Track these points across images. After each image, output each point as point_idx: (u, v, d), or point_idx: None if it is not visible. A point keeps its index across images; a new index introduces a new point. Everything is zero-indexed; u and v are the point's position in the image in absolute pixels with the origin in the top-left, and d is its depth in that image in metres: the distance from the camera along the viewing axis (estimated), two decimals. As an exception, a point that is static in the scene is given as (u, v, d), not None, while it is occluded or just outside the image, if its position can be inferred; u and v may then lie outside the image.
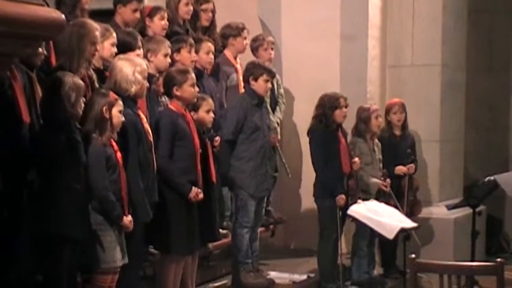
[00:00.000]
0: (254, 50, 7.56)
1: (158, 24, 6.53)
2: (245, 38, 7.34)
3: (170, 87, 5.78)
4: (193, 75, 5.85)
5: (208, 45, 6.80)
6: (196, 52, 6.64)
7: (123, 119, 5.01)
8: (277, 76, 7.75)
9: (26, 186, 4.50)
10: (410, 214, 7.16)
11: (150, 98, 5.80)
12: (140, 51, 5.79)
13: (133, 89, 5.23)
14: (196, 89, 5.89)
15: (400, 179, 7.50)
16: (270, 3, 8.47)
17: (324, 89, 7.22)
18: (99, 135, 4.85)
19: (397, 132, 7.68)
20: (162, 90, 5.92)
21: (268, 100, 7.12)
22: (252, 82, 6.64)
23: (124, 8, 6.34)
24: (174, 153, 5.67)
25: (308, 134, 7.02)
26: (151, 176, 5.38)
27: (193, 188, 5.67)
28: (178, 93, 5.76)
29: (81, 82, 4.72)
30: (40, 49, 4.62)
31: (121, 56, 5.42)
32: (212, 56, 6.86)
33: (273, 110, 7.48)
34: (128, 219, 4.97)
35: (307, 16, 8.20)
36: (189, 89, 5.78)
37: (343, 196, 6.72)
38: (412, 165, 7.54)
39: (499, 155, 9.48)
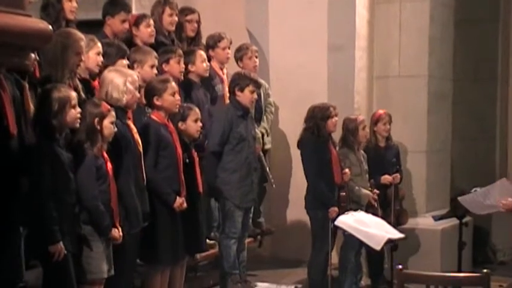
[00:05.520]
0: (238, 60, 7.49)
1: (145, 32, 6.52)
2: (225, 48, 7.26)
3: (151, 97, 5.75)
4: (173, 84, 5.81)
5: (201, 54, 6.81)
6: (192, 63, 6.65)
7: (115, 129, 5.01)
8: (266, 85, 7.76)
9: (16, 198, 4.45)
10: (397, 224, 7.18)
11: (135, 108, 5.78)
12: (125, 62, 5.75)
13: (125, 99, 5.24)
14: (178, 97, 5.84)
15: (386, 188, 7.50)
16: (258, 14, 8.46)
17: (311, 99, 7.23)
18: (90, 145, 4.85)
19: (382, 143, 7.69)
20: (144, 101, 5.90)
21: (253, 110, 7.10)
22: (238, 93, 6.63)
23: (112, 19, 6.34)
24: (157, 163, 5.67)
25: (298, 145, 7.01)
26: (141, 186, 5.39)
27: (177, 197, 5.68)
28: (158, 102, 5.73)
29: (68, 93, 4.69)
30: (33, 56, 4.57)
31: (111, 67, 5.42)
32: (208, 63, 6.86)
33: (258, 120, 7.45)
34: (116, 230, 4.97)
35: (294, 26, 8.21)
36: (169, 98, 5.74)
37: (335, 208, 6.68)
38: (398, 174, 7.55)
39: (486, 166, 9.50)
